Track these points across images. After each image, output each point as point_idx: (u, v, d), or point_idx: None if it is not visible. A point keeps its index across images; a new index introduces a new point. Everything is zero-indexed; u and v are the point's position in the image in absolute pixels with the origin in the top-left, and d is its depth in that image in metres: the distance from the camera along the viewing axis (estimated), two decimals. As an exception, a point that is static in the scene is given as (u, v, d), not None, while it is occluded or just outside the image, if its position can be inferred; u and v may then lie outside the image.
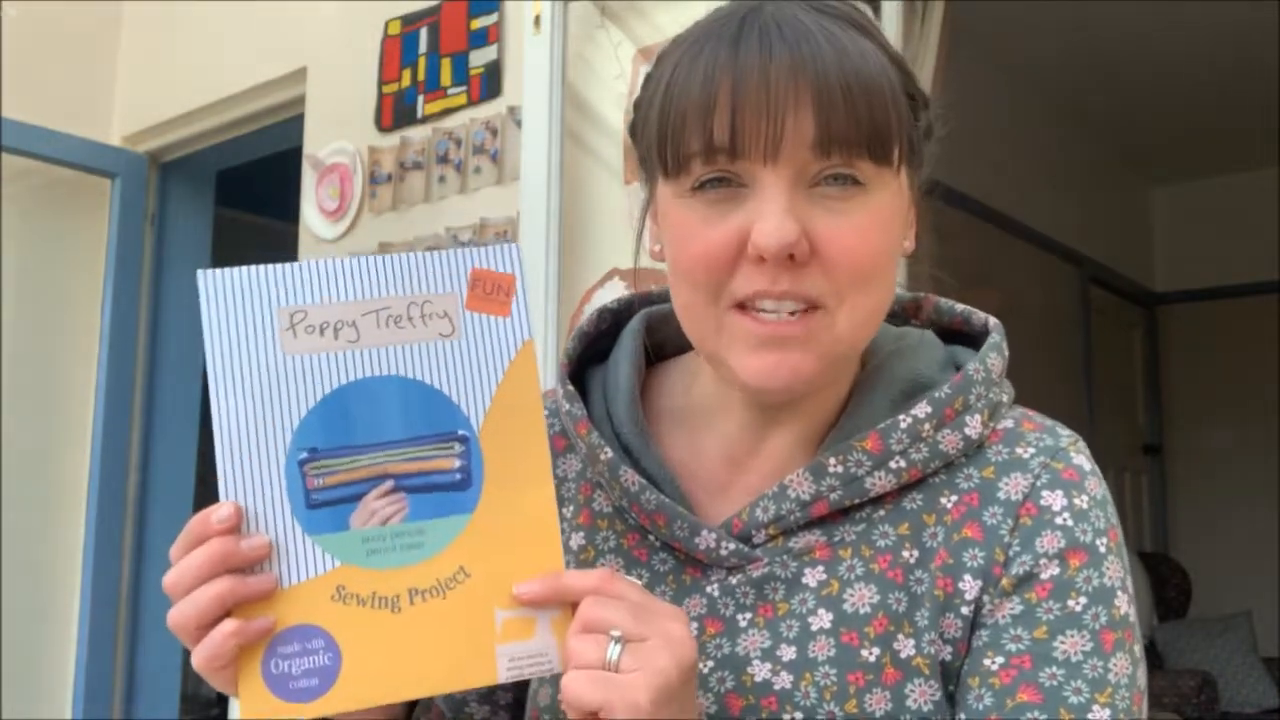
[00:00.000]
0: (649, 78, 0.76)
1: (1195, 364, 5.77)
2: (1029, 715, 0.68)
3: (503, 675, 0.65)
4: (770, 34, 0.69)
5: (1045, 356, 4.62)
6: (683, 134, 0.70)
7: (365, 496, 0.65)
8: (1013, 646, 0.70)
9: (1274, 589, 5.13)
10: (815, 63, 0.68)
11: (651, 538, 0.79)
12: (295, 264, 0.66)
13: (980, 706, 0.70)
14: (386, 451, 0.66)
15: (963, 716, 0.71)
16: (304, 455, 0.65)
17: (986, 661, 0.70)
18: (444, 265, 0.67)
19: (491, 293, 0.68)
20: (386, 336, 0.66)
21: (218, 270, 0.66)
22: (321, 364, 0.66)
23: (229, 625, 0.62)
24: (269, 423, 0.65)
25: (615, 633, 0.63)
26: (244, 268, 0.66)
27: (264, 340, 0.65)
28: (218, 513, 0.63)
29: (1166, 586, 5.00)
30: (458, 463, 0.66)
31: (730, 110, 0.68)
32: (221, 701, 4.63)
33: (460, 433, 0.66)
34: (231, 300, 0.65)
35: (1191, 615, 5.05)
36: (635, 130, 0.78)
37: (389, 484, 0.65)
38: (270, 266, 0.66)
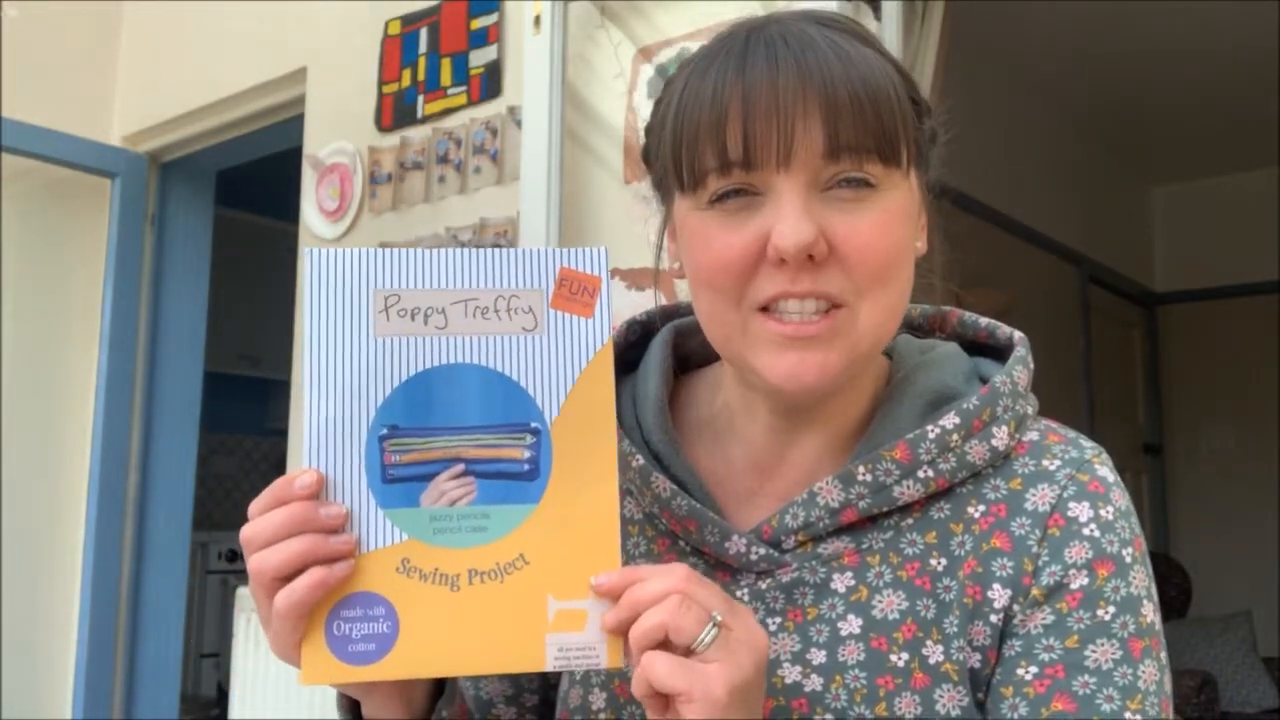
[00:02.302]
0: (658, 102, 0.78)
1: (1195, 364, 5.77)
2: None
3: (550, 663, 0.66)
4: (776, 47, 0.71)
5: (1045, 356, 4.59)
6: (697, 149, 0.72)
7: (437, 477, 0.68)
8: (1046, 656, 0.71)
9: (1274, 589, 5.13)
10: (821, 71, 0.70)
11: (681, 543, 0.80)
12: (395, 250, 0.70)
13: (1015, 716, 0.71)
14: (461, 436, 0.68)
15: None
16: (384, 431, 0.68)
17: (1020, 671, 0.72)
18: (533, 262, 0.70)
19: (577, 293, 0.70)
20: (473, 326, 0.69)
21: (323, 249, 0.69)
22: (409, 347, 0.69)
23: (316, 574, 0.65)
24: (356, 398, 0.68)
25: (717, 615, 0.64)
26: (348, 249, 0.70)
27: (359, 320, 0.69)
28: (301, 479, 0.67)
29: (1166, 586, 4.99)
30: (527, 453, 0.68)
31: (742, 122, 0.70)
32: (221, 701, 4.63)
33: (533, 425, 0.69)
34: (332, 280, 0.69)
35: (1191, 615, 5.04)
36: (648, 154, 0.80)
37: (460, 467, 0.68)
38: (372, 250, 0.70)
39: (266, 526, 0.66)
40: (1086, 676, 0.70)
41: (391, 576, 0.67)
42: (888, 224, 0.72)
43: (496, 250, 0.69)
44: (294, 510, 0.66)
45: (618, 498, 0.68)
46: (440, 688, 0.78)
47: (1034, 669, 0.71)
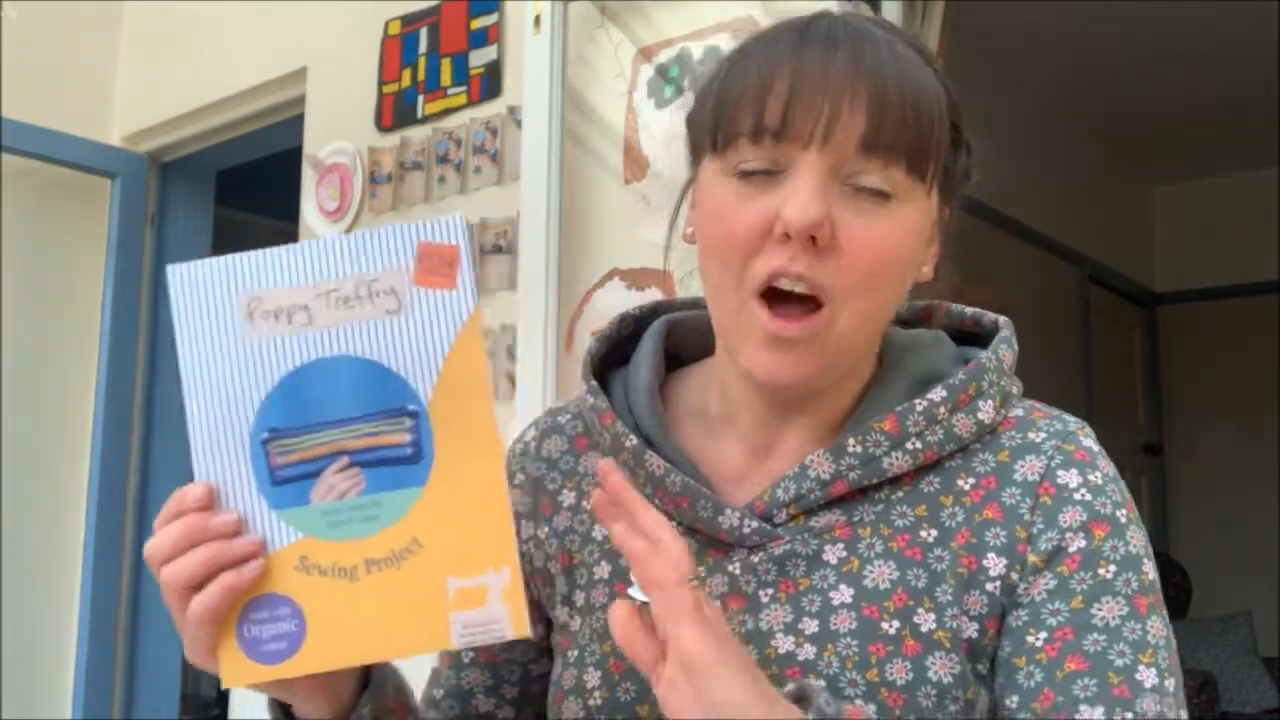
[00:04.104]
0: (714, 72, 0.79)
1: (1195, 364, 5.77)
2: (1080, 683, 0.70)
3: (456, 641, 0.67)
4: (837, 34, 0.73)
5: (1045, 356, 4.61)
6: (737, 112, 0.73)
7: (324, 472, 0.69)
8: (1053, 620, 0.72)
9: (1274, 589, 5.13)
10: (876, 66, 0.71)
11: (674, 524, 0.80)
12: (253, 252, 0.70)
13: (1031, 684, 0.71)
14: (341, 429, 0.69)
15: (1015, 699, 0.72)
16: (266, 435, 0.69)
17: (1030, 639, 0.72)
18: (390, 242, 0.69)
19: (438, 267, 0.69)
20: (338, 316, 0.69)
21: (185, 264, 0.70)
22: (278, 347, 0.69)
23: (227, 578, 0.67)
24: (234, 405, 0.69)
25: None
26: (208, 259, 0.70)
27: (227, 327, 0.69)
28: (191, 492, 0.69)
29: (1166, 586, 4.95)
30: (408, 437, 0.69)
31: (786, 96, 0.71)
32: (221, 702, 4.63)
33: (410, 408, 0.69)
34: (197, 291, 0.70)
35: (1191, 615, 5.04)
36: (692, 117, 0.80)
37: (345, 460, 0.69)
38: (231, 256, 0.70)
39: (165, 541, 0.68)
40: (1096, 635, 0.71)
41: (291, 575, 0.68)
42: (895, 234, 0.73)
43: (353, 236, 0.69)
44: (189, 521, 0.68)
45: (504, 467, 0.68)
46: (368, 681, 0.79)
47: (1043, 635, 0.72)
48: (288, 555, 0.68)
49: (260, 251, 0.69)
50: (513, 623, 0.67)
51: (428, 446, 0.68)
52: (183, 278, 0.70)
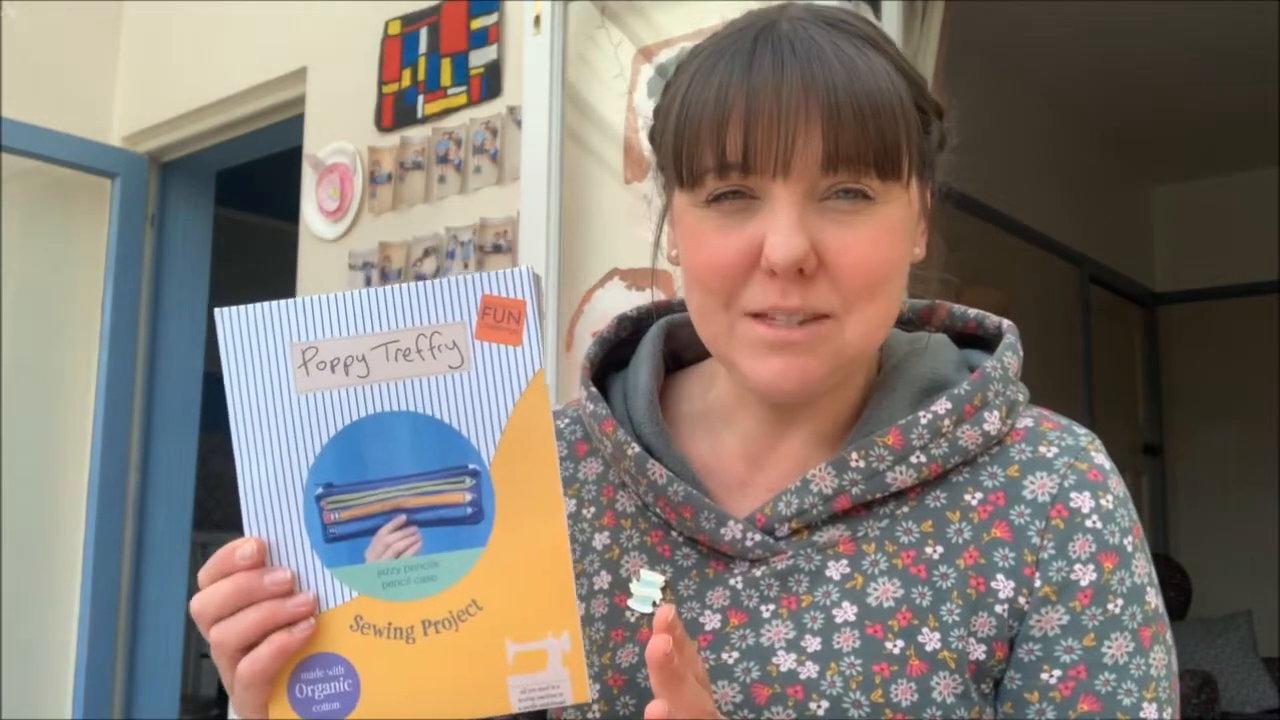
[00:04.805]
0: (667, 86, 0.78)
1: (1195, 364, 5.77)
2: None
3: (515, 706, 0.66)
4: (783, 52, 0.71)
5: (1045, 356, 4.62)
6: (697, 149, 0.72)
7: (380, 530, 0.67)
8: (1067, 658, 0.72)
9: (1274, 589, 5.13)
10: (825, 81, 0.70)
11: (675, 534, 0.80)
12: (307, 299, 0.67)
13: None
14: (399, 486, 0.67)
15: None
16: (320, 490, 0.67)
17: (1044, 675, 0.73)
18: (453, 293, 0.67)
19: (502, 320, 0.67)
20: (396, 370, 0.67)
21: (234, 308, 0.67)
22: (333, 400, 0.67)
23: (278, 640, 0.65)
24: (286, 459, 0.67)
25: None
26: (258, 305, 0.67)
27: (279, 378, 0.67)
28: (241, 549, 0.66)
29: (1166, 586, 4.99)
30: (469, 496, 0.67)
31: (743, 127, 0.70)
32: (221, 702, 4.63)
33: (471, 466, 0.67)
34: (247, 338, 0.67)
35: (1191, 615, 5.04)
36: (653, 138, 0.80)
37: (401, 518, 0.67)
38: (283, 302, 0.67)
39: (215, 599, 0.66)
40: (1107, 674, 0.72)
41: (346, 635, 0.66)
42: (881, 239, 0.72)
43: (413, 285, 0.67)
44: (239, 581, 0.66)
45: (567, 531, 0.67)
46: None
47: (1057, 672, 0.72)
48: (342, 614, 0.67)
49: (313, 298, 0.67)
50: (573, 688, 0.66)
51: (489, 507, 0.66)
52: (231, 322, 0.67)
